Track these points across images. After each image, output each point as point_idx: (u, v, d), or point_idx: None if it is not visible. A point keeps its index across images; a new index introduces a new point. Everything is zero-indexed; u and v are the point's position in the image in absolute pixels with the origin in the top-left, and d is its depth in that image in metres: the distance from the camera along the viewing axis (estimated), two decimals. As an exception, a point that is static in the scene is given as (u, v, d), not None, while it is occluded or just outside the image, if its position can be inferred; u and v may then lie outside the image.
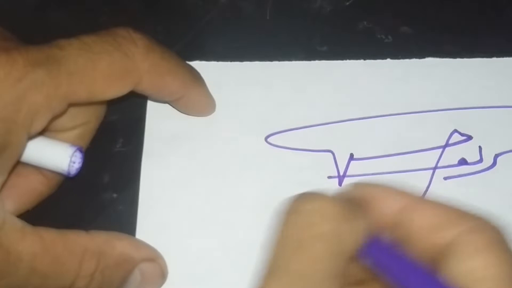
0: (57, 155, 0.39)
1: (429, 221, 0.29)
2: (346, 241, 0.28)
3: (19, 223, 0.36)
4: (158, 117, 0.46)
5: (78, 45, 0.37)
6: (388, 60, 0.47)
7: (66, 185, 0.43)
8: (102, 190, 0.44)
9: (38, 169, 0.41)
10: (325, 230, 0.28)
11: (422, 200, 0.30)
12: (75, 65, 0.37)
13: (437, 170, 0.43)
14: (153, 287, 0.41)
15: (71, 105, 0.38)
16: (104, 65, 0.38)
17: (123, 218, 0.43)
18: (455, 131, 0.44)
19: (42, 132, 0.40)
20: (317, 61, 0.47)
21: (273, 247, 0.29)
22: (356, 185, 0.31)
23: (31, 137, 0.37)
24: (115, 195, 0.44)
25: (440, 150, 0.44)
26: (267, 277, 0.28)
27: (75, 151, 0.39)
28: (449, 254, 0.28)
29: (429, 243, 0.29)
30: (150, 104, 0.46)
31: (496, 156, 0.44)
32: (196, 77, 0.43)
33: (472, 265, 0.28)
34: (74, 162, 0.39)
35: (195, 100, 0.44)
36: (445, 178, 0.43)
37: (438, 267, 0.29)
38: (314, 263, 0.28)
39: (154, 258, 0.40)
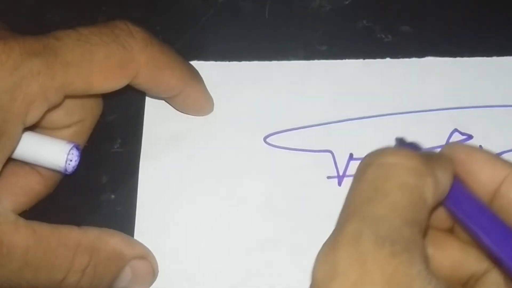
0: (54, 152, 0.39)
1: None
2: (427, 193, 0.29)
3: (13, 216, 0.36)
4: (156, 118, 0.45)
5: (75, 36, 0.37)
6: (388, 59, 0.47)
7: (64, 185, 0.43)
8: (100, 191, 0.44)
9: (36, 168, 0.41)
10: (407, 181, 0.29)
11: None
12: (71, 55, 0.37)
13: (437, 170, 0.43)
14: (143, 284, 0.41)
15: (68, 96, 0.38)
16: (101, 57, 0.38)
17: (121, 219, 0.43)
18: (455, 130, 0.44)
19: (38, 130, 0.40)
20: (316, 61, 0.47)
21: (351, 193, 0.30)
22: (457, 145, 0.33)
23: (26, 128, 0.37)
24: (113, 196, 0.44)
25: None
26: (345, 219, 0.29)
27: (71, 148, 0.39)
28: None
29: None
30: (148, 104, 0.46)
31: (497, 155, 0.43)
32: (194, 73, 0.43)
33: None
34: (71, 160, 0.39)
35: (193, 97, 0.44)
36: (446, 178, 0.43)
37: None
38: (394, 209, 0.28)
39: (145, 255, 0.41)
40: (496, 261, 0.32)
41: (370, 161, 0.30)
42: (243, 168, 0.44)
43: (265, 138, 0.45)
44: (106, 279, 0.39)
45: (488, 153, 0.32)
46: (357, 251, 0.27)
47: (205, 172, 0.44)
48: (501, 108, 0.45)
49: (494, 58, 0.46)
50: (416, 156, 0.30)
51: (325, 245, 0.28)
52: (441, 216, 0.33)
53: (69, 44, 0.37)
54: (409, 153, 0.30)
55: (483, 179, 0.32)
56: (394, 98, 0.46)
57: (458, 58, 0.46)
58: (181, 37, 0.48)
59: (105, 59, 0.38)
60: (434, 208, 0.31)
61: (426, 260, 0.28)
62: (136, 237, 0.42)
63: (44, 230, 0.37)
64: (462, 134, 0.44)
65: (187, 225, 0.43)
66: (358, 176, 0.30)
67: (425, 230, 0.29)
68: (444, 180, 0.31)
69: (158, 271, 0.41)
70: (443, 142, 0.44)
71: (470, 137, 0.44)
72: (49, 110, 0.37)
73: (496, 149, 0.44)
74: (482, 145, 0.44)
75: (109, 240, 0.39)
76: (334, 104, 0.46)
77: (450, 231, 0.35)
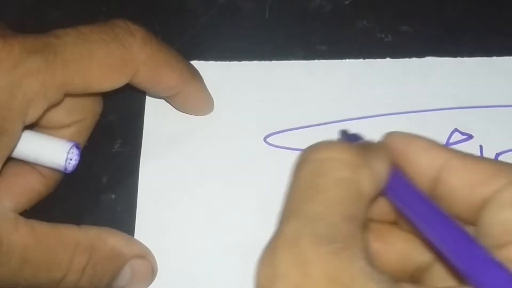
0: (54, 151, 0.39)
1: (470, 178, 0.30)
2: (364, 186, 0.29)
3: (12, 214, 0.37)
4: (156, 117, 0.45)
5: (75, 35, 0.37)
6: (388, 59, 0.47)
7: (64, 185, 0.43)
8: (100, 191, 0.44)
9: (36, 168, 0.41)
10: (342, 175, 0.28)
11: (462, 156, 0.30)
12: (71, 53, 0.37)
13: (437, 170, 0.43)
14: (143, 284, 0.41)
15: (68, 95, 0.38)
16: (100, 55, 0.38)
17: (121, 219, 0.43)
18: (456, 130, 0.44)
19: (38, 129, 0.40)
20: (316, 61, 0.47)
21: (287, 194, 0.29)
22: (395, 134, 0.32)
23: (26, 126, 0.37)
24: (113, 196, 0.44)
25: (441, 149, 0.44)
26: (284, 221, 0.28)
27: (72, 147, 0.39)
28: (485, 207, 0.29)
29: (469, 200, 0.29)
30: (148, 104, 0.46)
31: (497, 155, 0.43)
32: (194, 72, 0.43)
33: (506, 216, 0.28)
34: (71, 158, 0.39)
35: (193, 96, 0.44)
36: (446, 178, 0.43)
37: (475, 223, 0.29)
38: (331, 205, 0.28)
39: (144, 255, 0.41)
40: (437, 251, 0.31)
41: (305, 157, 0.30)
42: (243, 168, 0.44)
43: (265, 138, 0.45)
44: (106, 278, 0.39)
45: (426, 140, 0.31)
46: (297, 253, 0.27)
47: (205, 172, 0.44)
48: (501, 108, 0.45)
49: (494, 58, 0.46)
50: (351, 148, 0.29)
51: (266, 248, 0.28)
52: (385, 209, 0.33)
53: (68, 42, 0.37)
54: (343, 146, 0.30)
55: (422, 166, 0.31)
56: (394, 98, 0.46)
57: (458, 58, 0.46)
58: (181, 37, 0.48)
59: (104, 57, 0.38)
60: (374, 199, 0.30)
61: (368, 255, 0.27)
62: (136, 236, 0.42)
63: (43, 229, 0.37)
64: (462, 134, 0.44)
65: (187, 224, 0.43)
66: (294, 174, 0.29)
67: (365, 224, 0.29)
68: (381, 169, 0.30)
69: (157, 270, 0.41)
70: (444, 142, 0.44)
71: (470, 137, 0.44)
72: (49, 109, 0.37)
73: (496, 149, 0.44)
74: (483, 145, 0.44)
75: (109, 239, 0.39)
76: (334, 104, 0.45)
77: (395, 222, 0.34)
